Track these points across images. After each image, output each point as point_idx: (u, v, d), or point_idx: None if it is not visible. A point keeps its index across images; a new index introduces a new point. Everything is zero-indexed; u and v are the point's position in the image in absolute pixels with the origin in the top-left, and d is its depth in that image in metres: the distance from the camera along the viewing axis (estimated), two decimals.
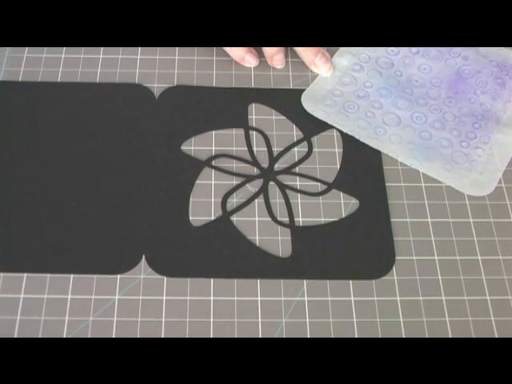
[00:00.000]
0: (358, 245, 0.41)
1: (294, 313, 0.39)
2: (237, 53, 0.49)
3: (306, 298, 0.40)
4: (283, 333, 0.38)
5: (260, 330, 0.38)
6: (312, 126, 0.47)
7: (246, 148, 0.46)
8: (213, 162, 0.45)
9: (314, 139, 0.46)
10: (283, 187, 0.44)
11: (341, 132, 0.46)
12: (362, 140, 0.46)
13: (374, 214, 0.43)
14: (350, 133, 0.46)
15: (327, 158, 0.45)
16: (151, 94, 0.48)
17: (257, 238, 0.42)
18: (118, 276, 0.40)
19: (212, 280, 0.40)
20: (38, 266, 0.40)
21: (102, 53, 0.50)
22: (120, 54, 0.50)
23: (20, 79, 0.48)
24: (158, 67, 0.49)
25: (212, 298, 0.39)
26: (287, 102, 0.48)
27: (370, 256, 0.41)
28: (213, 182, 0.44)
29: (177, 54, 0.50)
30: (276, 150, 0.46)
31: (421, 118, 0.47)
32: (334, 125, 0.47)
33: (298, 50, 0.49)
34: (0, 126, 0.46)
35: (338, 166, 0.45)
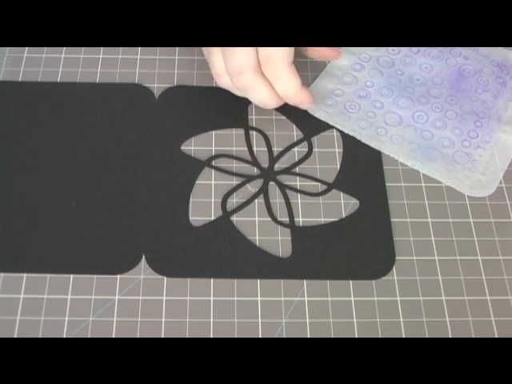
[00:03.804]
0: (357, 245, 0.41)
1: (293, 313, 0.39)
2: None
3: (306, 298, 0.40)
4: (283, 333, 0.38)
5: (260, 330, 0.38)
6: (312, 126, 0.47)
7: (246, 148, 0.46)
8: (213, 162, 0.45)
9: (314, 139, 0.46)
10: (283, 187, 0.44)
11: (341, 132, 0.46)
12: (363, 141, 0.46)
13: (374, 214, 0.43)
14: (351, 133, 0.46)
15: (327, 158, 0.45)
16: (151, 94, 0.48)
17: (257, 238, 0.42)
18: (118, 276, 0.40)
19: (212, 280, 0.40)
20: (38, 265, 0.40)
21: (101, 53, 0.50)
22: (120, 54, 0.50)
23: (20, 79, 0.48)
24: (158, 67, 0.49)
25: (212, 298, 0.39)
26: None
27: (370, 256, 0.41)
28: (213, 182, 0.44)
29: (177, 54, 0.50)
30: (276, 150, 0.46)
31: (422, 116, 0.47)
32: (335, 125, 0.46)
33: None
34: (0, 126, 0.46)
35: (338, 166, 0.45)
